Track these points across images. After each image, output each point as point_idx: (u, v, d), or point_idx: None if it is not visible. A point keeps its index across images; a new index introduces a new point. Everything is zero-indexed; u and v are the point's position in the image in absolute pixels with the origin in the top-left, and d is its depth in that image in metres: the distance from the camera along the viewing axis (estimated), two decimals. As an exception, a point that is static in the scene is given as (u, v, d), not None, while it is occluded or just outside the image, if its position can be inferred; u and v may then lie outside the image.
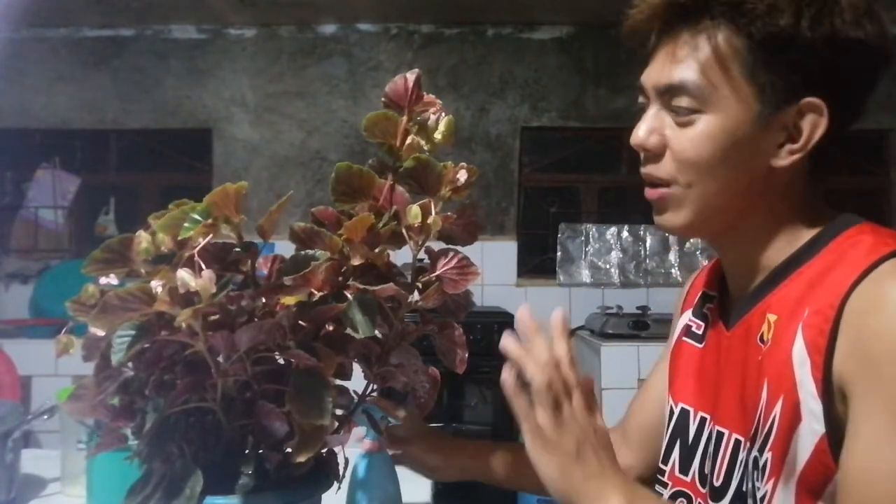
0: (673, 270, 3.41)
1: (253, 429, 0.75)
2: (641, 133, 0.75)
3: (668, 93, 0.73)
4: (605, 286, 3.42)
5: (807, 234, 0.74)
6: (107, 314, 0.65)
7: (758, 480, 0.70)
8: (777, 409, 0.69)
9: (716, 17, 0.70)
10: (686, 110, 0.72)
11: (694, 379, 0.83)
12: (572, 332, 3.33)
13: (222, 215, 0.69)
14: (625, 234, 3.45)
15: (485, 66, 3.41)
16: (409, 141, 0.76)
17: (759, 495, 0.70)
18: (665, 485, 0.84)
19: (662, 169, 0.75)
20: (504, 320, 2.90)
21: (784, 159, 0.71)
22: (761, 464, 0.70)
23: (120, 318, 0.65)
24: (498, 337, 2.93)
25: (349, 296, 0.74)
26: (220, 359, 0.70)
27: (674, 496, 0.82)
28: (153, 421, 0.70)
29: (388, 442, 1.02)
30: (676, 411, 0.84)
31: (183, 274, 0.64)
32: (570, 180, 3.52)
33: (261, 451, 0.78)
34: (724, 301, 0.83)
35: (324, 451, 0.80)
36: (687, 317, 0.89)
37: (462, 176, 0.75)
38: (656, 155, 0.75)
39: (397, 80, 0.76)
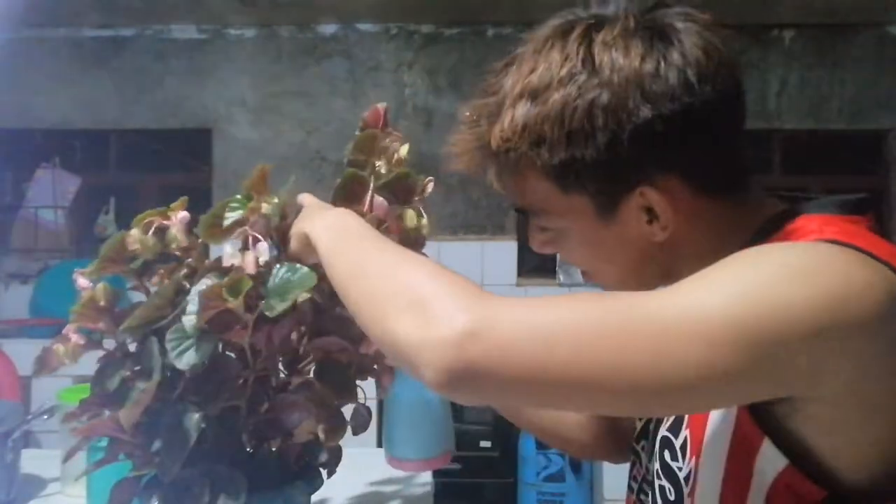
0: (673, 270, 3.41)
1: (267, 423, 0.77)
2: (536, 247, 0.76)
3: (524, 212, 0.73)
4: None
5: (743, 236, 0.69)
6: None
7: (678, 461, 0.69)
8: None
9: (500, 160, 0.68)
10: (544, 229, 0.73)
11: None
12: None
13: (263, 195, 0.75)
14: (625, 234, 3.44)
15: (485, 66, 3.40)
16: (386, 158, 0.84)
17: (681, 476, 0.69)
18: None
19: (574, 265, 0.77)
20: (504, 320, 2.89)
21: (661, 235, 0.67)
22: (678, 445, 0.69)
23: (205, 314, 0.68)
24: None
25: None
26: (250, 355, 0.74)
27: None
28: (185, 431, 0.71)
29: None
30: None
31: (228, 248, 0.71)
32: (570, 180, 3.52)
33: (258, 451, 0.79)
34: None
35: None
36: None
37: (429, 187, 0.85)
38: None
39: (372, 110, 0.85)
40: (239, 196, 0.75)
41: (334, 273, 0.67)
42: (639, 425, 0.84)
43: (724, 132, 0.67)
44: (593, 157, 0.64)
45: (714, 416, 0.66)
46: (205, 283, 0.68)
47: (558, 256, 3.79)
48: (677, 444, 0.70)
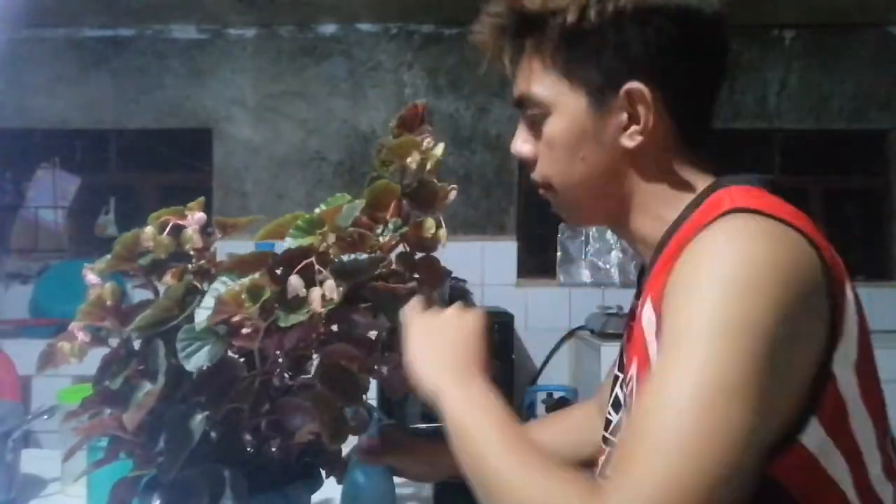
0: (673, 270, 3.41)
1: (269, 424, 0.77)
2: (517, 144, 0.83)
3: (521, 105, 0.81)
4: (605, 286, 3.41)
5: (680, 206, 0.75)
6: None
7: None
8: (633, 372, 0.73)
9: (520, 34, 0.78)
10: (536, 117, 0.79)
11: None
12: (572, 333, 3.33)
13: (333, 225, 0.74)
14: (625, 234, 3.44)
15: (485, 67, 3.41)
16: (418, 162, 0.85)
17: None
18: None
19: (539, 173, 0.81)
20: (504, 320, 2.90)
21: (631, 141, 0.75)
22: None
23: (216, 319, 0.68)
24: (498, 337, 2.96)
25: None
26: (258, 359, 0.74)
27: None
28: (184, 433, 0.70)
29: (366, 457, 1.00)
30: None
31: (296, 282, 0.69)
32: (570, 180, 3.51)
33: (259, 451, 0.78)
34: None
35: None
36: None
37: (452, 195, 0.88)
38: (532, 161, 0.81)
39: (410, 107, 0.88)
40: (307, 216, 0.74)
41: (461, 456, 0.67)
42: (611, 418, 0.85)
43: (711, 60, 0.76)
44: (598, 34, 0.72)
45: None
46: (220, 285, 0.68)
47: (559, 257, 3.74)
48: None
